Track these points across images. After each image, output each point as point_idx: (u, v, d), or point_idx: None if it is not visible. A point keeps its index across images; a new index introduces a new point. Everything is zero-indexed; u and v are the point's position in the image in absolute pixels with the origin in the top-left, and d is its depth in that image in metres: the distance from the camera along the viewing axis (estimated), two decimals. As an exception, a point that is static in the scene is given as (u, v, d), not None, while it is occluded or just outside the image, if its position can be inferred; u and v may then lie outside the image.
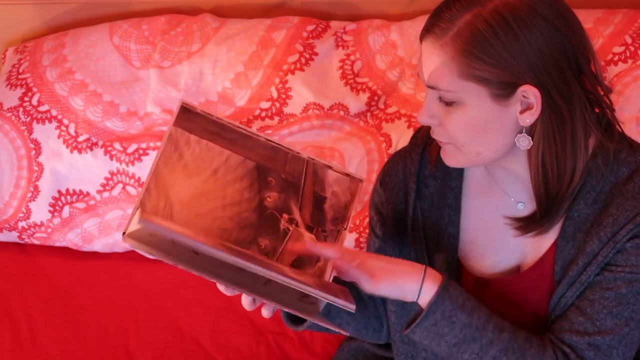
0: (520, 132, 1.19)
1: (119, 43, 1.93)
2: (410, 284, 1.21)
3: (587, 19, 1.79)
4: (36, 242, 1.94)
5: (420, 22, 1.87)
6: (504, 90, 1.14)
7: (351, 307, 1.13)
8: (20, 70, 1.96)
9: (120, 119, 1.90)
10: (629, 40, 1.70)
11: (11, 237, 1.95)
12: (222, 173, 1.27)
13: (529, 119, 1.17)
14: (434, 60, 1.16)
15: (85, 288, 1.87)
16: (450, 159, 1.24)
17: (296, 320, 1.32)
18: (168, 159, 1.24)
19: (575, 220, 1.23)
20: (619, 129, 1.26)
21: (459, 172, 1.33)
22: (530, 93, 1.14)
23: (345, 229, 1.29)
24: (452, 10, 1.14)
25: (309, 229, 1.28)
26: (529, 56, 1.13)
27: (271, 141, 1.26)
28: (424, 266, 1.23)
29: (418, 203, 1.34)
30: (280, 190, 1.28)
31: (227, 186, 1.27)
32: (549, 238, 1.26)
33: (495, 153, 1.21)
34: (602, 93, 1.21)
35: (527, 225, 1.25)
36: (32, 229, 1.91)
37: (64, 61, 1.93)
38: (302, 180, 1.28)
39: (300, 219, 1.29)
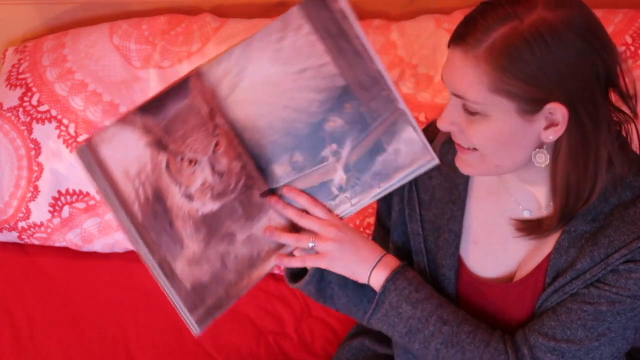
0: (540, 147, 1.17)
1: (119, 43, 1.93)
2: (361, 268, 1.27)
3: (587, 19, 1.79)
4: (36, 242, 1.94)
5: (420, 22, 1.87)
6: (532, 106, 1.12)
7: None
8: (20, 70, 1.96)
9: (120, 119, 1.89)
10: (629, 40, 1.70)
11: (11, 237, 1.95)
12: (307, 76, 1.19)
13: (552, 135, 1.14)
14: (465, 70, 1.12)
15: (85, 288, 1.87)
16: (467, 167, 1.22)
17: (297, 277, 1.34)
18: (270, 34, 1.16)
19: (571, 235, 1.23)
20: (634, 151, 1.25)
21: None
22: (557, 111, 1.12)
23: (380, 189, 1.24)
24: (488, 20, 1.10)
25: (346, 169, 1.23)
26: (561, 74, 1.09)
27: (379, 71, 1.16)
28: (382, 253, 1.28)
29: (415, 194, 1.35)
30: (348, 120, 1.20)
31: (302, 90, 1.19)
32: (544, 250, 1.27)
33: (514, 166, 1.19)
34: (628, 112, 1.19)
35: (531, 228, 1.25)
36: (32, 229, 1.91)
37: (64, 61, 1.93)
38: (377, 123, 1.20)
39: (345, 157, 1.23)
